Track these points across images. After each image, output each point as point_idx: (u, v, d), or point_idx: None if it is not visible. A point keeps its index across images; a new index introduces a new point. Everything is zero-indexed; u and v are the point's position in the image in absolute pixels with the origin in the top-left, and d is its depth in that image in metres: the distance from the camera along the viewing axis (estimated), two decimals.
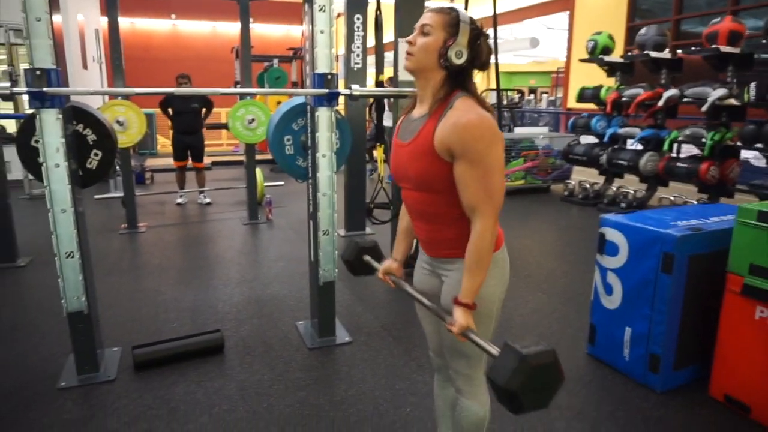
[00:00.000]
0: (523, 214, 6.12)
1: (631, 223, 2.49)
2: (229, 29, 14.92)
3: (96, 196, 6.16)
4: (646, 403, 2.35)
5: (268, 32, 14.64)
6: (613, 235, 2.56)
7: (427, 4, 4.01)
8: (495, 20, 3.63)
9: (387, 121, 6.64)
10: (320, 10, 2.53)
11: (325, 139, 2.64)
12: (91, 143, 2.53)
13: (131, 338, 2.90)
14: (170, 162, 6.23)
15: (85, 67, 8.08)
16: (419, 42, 1.40)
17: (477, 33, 1.38)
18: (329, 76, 2.58)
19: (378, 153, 4.03)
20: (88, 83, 7.87)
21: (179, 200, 6.56)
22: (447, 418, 1.82)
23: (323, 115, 2.61)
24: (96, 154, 2.56)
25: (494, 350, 1.21)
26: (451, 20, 1.37)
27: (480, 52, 1.39)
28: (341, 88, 2.65)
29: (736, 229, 2.24)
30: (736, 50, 5.07)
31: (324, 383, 2.51)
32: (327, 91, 2.54)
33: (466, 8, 2.39)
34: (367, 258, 1.84)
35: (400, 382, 2.52)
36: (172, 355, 2.67)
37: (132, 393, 2.41)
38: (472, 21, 1.39)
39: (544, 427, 2.18)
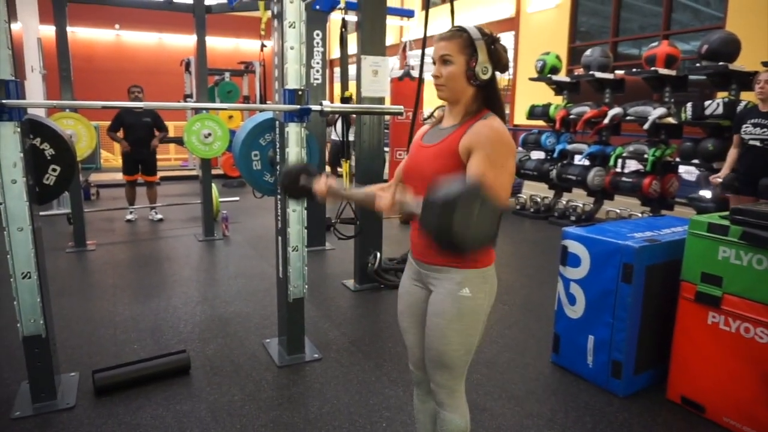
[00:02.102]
0: None
1: (592, 235, 2.62)
2: (177, 41, 14.59)
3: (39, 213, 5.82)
4: (609, 407, 2.46)
5: (217, 45, 14.40)
6: (575, 247, 2.67)
7: (395, 21, 4.10)
8: (424, 42, 3.68)
9: (350, 136, 6.69)
10: (290, 27, 2.55)
11: (295, 154, 2.64)
12: (48, 158, 2.42)
13: (90, 362, 2.76)
14: (116, 177, 6.01)
15: (24, 77, 7.68)
16: (445, 72, 1.47)
17: (490, 41, 1.46)
18: (300, 92, 2.58)
19: (344, 168, 4.05)
20: (29, 95, 7.49)
21: (129, 217, 6.29)
22: None
23: (293, 130, 2.61)
24: (54, 170, 2.45)
25: (418, 209, 1.20)
26: (466, 41, 1.44)
27: (499, 57, 1.48)
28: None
29: (688, 240, 2.40)
30: (673, 72, 5.44)
31: (297, 401, 2.48)
32: (299, 107, 2.55)
33: (452, 19, 2.49)
34: (303, 179, 1.73)
35: (374, 397, 2.52)
36: (136, 378, 2.56)
37: (94, 420, 2.29)
38: (482, 33, 1.46)
39: None
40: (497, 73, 1.50)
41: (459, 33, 1.46)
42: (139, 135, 5.92)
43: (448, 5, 3.68)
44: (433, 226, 1.13)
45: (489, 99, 1.50)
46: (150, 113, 5.94)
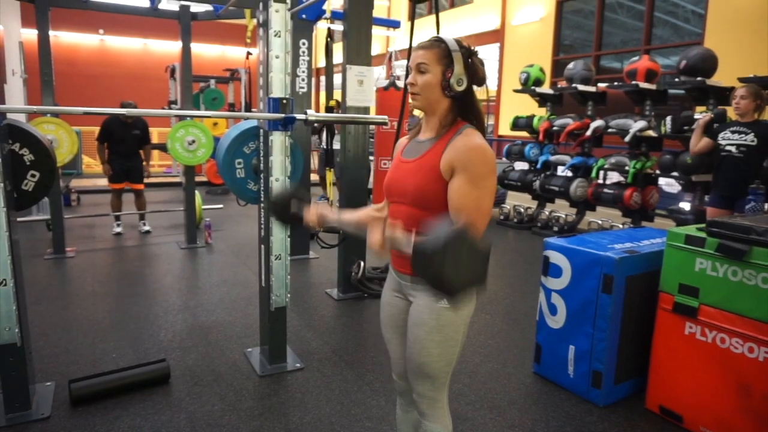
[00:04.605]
0: None
1: (573, 246, 2.65)
2: (162, 47, 14.51)
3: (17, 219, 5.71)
4: (590, 417, 2.47)
5: (203, 52, 14.36)
6: (556, 258, 2.70)
7: (381, 31, 4.13)
8: (410, 53, 3.76)
9: (335, 145, 6.69)
10: (275, 36, 2.56)
11: (279, 162, 2.64)
12: (28, 163, 2.38)
13: (66, 371, 2.71)
14: (98, 182, 5.88)
15: (4, 81, 7.57)
16: (420, 81, 1.47)
17: (468, 54, 1.46)
18: (284, 101, 2.59)
19: (328, 177, 4.05)
20: (8, 99, 7.37)
21: (117, 230, 5.98)
22: None
23: (277, 139, 2.61)
24: (33, 175, 2.41)
25: (409, 249, 1.24)
26: (443, 52, 1.45)
27: (476, 71, 1.47)
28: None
29: (666, 251, 2.44)
30: (653, 86, 5.55)
31: (278, 411, 2.46)
32: (283, 115, 2.55)
33: (437, 30, 2.49)
34: (294, 205, 1.73)
35: (356, 407, 2.51)
36: (114, 387, 2.52)
37: (70, 431, 2.25)
38: (460, 45, 1.46)
39: None
40: (476, 87, 1.51)
41: (437, 43, 1.46)
42: (128, 148, 5.77)
43: (433, 16, 3.72)
44: (425, 275, 1.19)
45: (464, 111, 1.49)
46: (140, 126, 5.78)
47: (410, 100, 1.52)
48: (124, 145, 5.74)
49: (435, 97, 1.48)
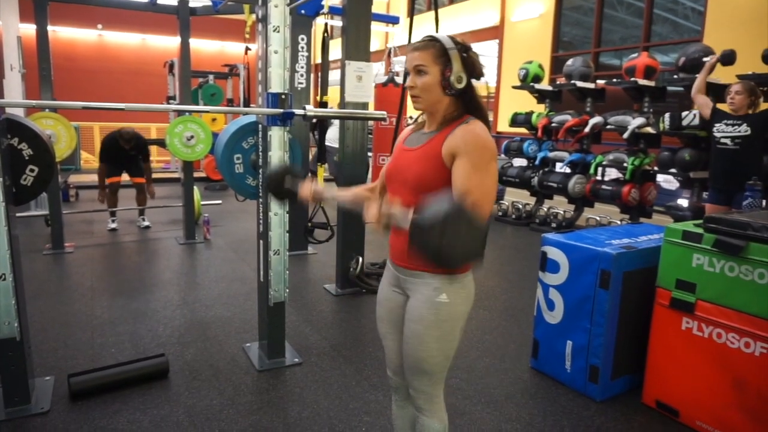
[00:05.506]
0: None
1: (571, 242, 2.66)
2: (161, 42, 14.45)
3: (16, 214, 5.70)
4: (587, 411, 2.49)
5: (202, 47, 14.31)
6: (554, 253, 2.71)
7: (380, 27, 4.12)
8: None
9: (330, 142, 6.69)
10: (274, 31, 2.55)
11: (277, 158, 2.64)
12: (26, 158, 2.38)
13: (65, 366, 2.72)
14: (96, 178, 5.83)
15: (2, 76, 7.54)
16: (419, 83, 1.46)
17: (463, 50, 1.45)
18: (283, 96, 2.59)
19: (319, 173, 4.05)
20: (7, 94, 7.36)
21: (111, 225, 5.93)
22: None
23: (276, 134, 2.61)
24: (32, 170, 2.41)
25: (407, 224, 1.25)
26: (439, 51, 1.44)
27: (474, 65, 1.47)
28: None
29: (663, 247, 2.44)
30: (651, 83, 5.55)
31: (276, 406, 2.47)
32: (282, 111, 2.55)
33: (437, 29, 2.51)
34: (288, 181, 1.75)
35: (354, 401, 2.52)
36: (113, 382, 2.53)
37: (69, 425, 2.26)
38: (455, 41, 1.46)
39: None
40: (476, 81, 1.51)
41: (432, 43, 1.46)
42: (128, 167, 5.83)
43: (432, 12, 3.72)
44: (423, 248, 1.19)
45: (468, 106, 1.50)
46: (139, 148, 5.77)
47: (412, 103, 1.52)
48: (124, 164, 5.79)
49: (436, 98, 1.47)
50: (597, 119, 5.95)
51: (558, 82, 6.85)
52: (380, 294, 1.71)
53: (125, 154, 5.71)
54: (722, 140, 3.86)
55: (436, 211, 1.16)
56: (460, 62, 1.44)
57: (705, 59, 4.64)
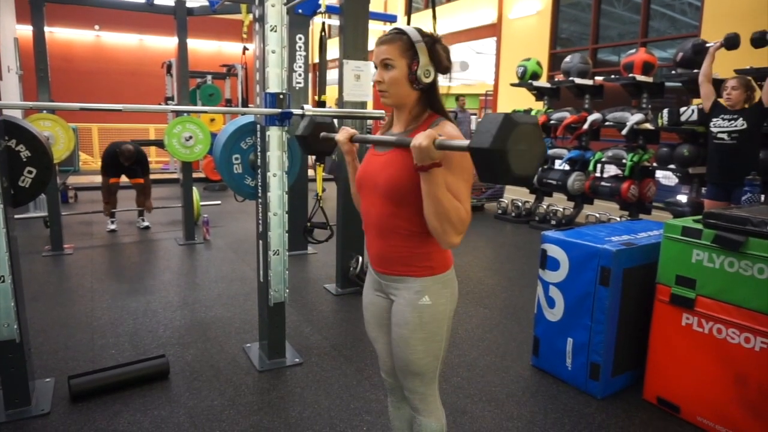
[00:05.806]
0: None
1: (571, 239, 2.65)
2: (158, 43, 14.44)
3: (15, 216, 5.68)
4: (588, 408, 2.49)
5: (200, 47, 14.29)
6: (554, 250, 2.71)
7: (378, 26, 4.12)
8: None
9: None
10: (272, 30, 2.54)
11: (276, 158, 2.63)
12: (24, 160, 2.38)
13: (66, 367, 2.72)
14: (95, 179, 5.86)
15: None
16: (387, 77, 1.42)
17: (431, 43, 1.42)
18: (281, 96, 2.58)
19: (318, 172, 4.05)
20: (4, 95, 7.35)
21: (111, 227, 5.91)
22: None
23: (274, 134, 2.60)
24: (30, 172, 2.41)
25: (465, 142, 1.22)
26: (405, 44, 1.40)
27: (440, 59, 1.42)
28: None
29: (663, 243, 2.44)
30: (649, 79, 5.55)
31: (277, 406, 2.46)
32: (280, 110, 2.54)
33: (434, 27, 2.49)
34: (324, 133, 1.78)
35: (355, 401, 2.52)
36: (113, 383, 2.52)
37: (70, 426, 2.26)
38: (422, 34, 1.42)
39: None
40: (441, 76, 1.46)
41: (399, 36, 1.41)
42: (127, 171, 5.83)
43: (430, 11, 3.71)
44: (493, 163, 1.14)
45: (432, 102, 1.46)
46: (139, 162, 5.77)
47: (380, 98, 1.47)
48: (124, 172, 5.81)
49: (404, 92, 1.43)
50: (595, 116, 5.94)
51: (556, 79, 6.85)
52: (365, 299, 1.69)
53: (125, 167, 5.74)
54: (719, 135, 3.87)
55: (492, 120, 1.14)
56: (427, 56, 1.40)
57: (708, 45, 4.63)
